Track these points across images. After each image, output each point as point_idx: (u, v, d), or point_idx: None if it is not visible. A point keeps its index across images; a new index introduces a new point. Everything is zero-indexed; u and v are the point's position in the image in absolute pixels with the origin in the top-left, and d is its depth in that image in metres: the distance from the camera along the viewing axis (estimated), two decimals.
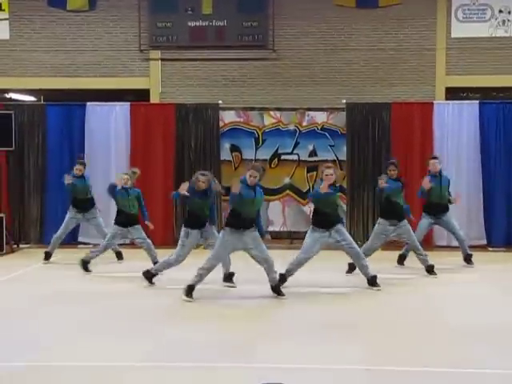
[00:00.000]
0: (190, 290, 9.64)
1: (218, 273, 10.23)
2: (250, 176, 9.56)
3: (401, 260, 12.38)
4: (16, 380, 6.46)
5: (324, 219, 10.18)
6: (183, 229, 10.41)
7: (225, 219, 10.51)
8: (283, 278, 10.26)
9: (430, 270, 11.54)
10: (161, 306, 9.44)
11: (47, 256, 12.82)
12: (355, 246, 10.44)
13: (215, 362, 6.90)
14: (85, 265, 11.75)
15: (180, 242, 10.40)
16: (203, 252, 10.49)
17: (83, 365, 6.84)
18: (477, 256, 12.45)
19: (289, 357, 7.11)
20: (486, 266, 12.54)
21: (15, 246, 14.67)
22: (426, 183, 11.93)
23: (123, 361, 6.95)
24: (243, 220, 9.54)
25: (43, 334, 8.02)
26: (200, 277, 9.67)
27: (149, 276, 10.63)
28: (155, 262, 11.17)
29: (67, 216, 12.85)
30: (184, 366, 6.81)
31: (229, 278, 10.50)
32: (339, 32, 16.55)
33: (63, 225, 12.86)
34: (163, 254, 11.17)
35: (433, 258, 12.08)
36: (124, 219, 11.69)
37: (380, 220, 11.60)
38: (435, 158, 12.65)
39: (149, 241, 11.81)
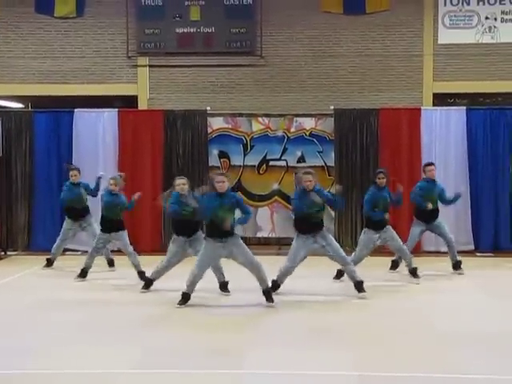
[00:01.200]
0: (184, 299, 9.67)
1: (208, 282, 10.16)
2: (218, 182, 9.58)
3: (394, 266, 12.40)
4: None
5: (306, 224, 10.16)
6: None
7: None
8: (275, 284, 10.26)
9: (414, 272, 11.56)
10: (151, 313, 9.41)
11: (49, 263, 12.84)
12: (341, 250, 10.39)
13: (204, 368, 6.89)
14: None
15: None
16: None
17: (73, 372, 6.81)
18: (465, 261, 12.48)
19: (277, 363, 7.10)
20: (474, 271, 12.57)
21: (3, 253, 14.61)
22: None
23: (113, 368, 6.93)
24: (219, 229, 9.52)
25: (31, 341, 7.97)
26: (191, 285, 9.69)
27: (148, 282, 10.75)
28: (139, 271, 11.34)
29: (64, 227, 12.82)
30: (174, 373, 6.80)
31: (224, 286, 10.49)
32: (327, 38, 16.60)
33: (61, 235, 12.83)
34: (151, 261, 11.18)
35: (421, 263, 12.12)
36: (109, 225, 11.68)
37: (365, 230, 11.60)
38: (432, 164, 12.65)
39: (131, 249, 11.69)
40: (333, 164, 15.20)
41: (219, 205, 9.48)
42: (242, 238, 14.97)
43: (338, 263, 10.60)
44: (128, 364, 7.06)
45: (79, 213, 12.69)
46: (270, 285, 9.97)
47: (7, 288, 11.37)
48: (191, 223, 10.31)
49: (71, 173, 12.77)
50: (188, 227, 10.32)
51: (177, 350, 7.60)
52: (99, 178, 12.79)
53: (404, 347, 7.72)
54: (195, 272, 9.62)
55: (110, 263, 12.76)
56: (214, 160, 15.46)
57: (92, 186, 12.89)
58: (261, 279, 9.81)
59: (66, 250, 14.30)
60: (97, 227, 12.52)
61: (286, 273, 10.30)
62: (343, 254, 10.43)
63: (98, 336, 8.22)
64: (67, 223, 12.78)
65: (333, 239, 10.45)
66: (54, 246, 12.88)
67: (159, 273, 10.59)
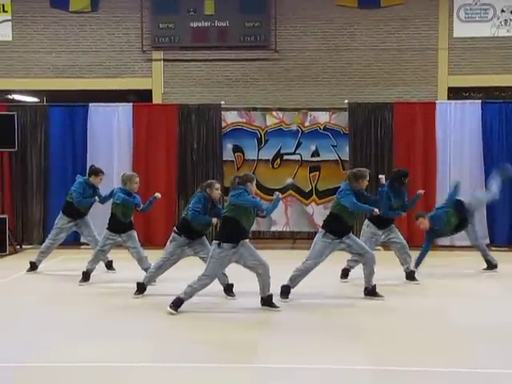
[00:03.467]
0: (177, 303, 9.01)
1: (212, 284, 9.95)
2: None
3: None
4: (17, 381, 6.48)
5: (342, 227, 9.67)
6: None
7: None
8: (287, 289, 9.70)
9: (412, 276, 11.06)
10: (158, 311, 9.39)
11: (33, 266, 11.96)
12: (368, 250, 9.86)
13: (215, 362, 6.91)
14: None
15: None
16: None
17: (83, 365, 6.84)
18: (479, 256, 12.37)
19: (290, 357, 7.11)
20: None
21: (18, 246, 14.69)
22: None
23: (125, 361, 6.96)
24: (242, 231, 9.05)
25: (43, 333, 8.03)
26: (191, 293, 9.07)
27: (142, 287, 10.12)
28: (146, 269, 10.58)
29: (58, 224, 11.84)
30: (183, 367, 6.81)
31: (229, 289, 9.96)
32: (341, 32, 16.57)
33: (52, 234, 11.93)
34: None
35: (434, 258, 12.06)
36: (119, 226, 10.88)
37: (368, 222, 11.11)
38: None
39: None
40: (347, 158, 15.16)
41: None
42: (256, 232, 15.30)
43: (363, 264, 9.90)
44: (140, 357, 7.08)
45: (80, 213, 11.79)
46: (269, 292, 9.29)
47: (21, 281, 11.43)
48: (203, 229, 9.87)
49: (100, 177, 11.75)
50: (198, 232, 9.81)
51: (188, 343, 7.63)
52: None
53: (417, 342, 7.70)
54: (206, 281, 9.04)
55: (109, 266, 11.95)
56: (228, 154, 15.46)
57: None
58: (266, 284, 9.18)
59: (81, 243, 14.30)
60: (94, 229, 11.76)
61: (306, 271, 9.68)
62: (372, 253, 9.84)
63: (109, 329, 8.25)
64: (63, 219, 11.82)
65: (357, 239, 10.02)
66: (43, 245, 12.07)
67: (152, 277, 10.11)
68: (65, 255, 13.28)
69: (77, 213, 11.74)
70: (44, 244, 12.14)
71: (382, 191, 10.64)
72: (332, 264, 10.47)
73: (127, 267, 11.49)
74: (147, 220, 14.92)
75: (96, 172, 11.74)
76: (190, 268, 9.78)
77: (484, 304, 9.62)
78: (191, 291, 9.04)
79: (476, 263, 12.23)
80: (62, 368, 6.78)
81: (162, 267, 9.95)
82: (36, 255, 12.10)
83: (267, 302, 9.24)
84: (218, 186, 9.64)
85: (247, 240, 9.23)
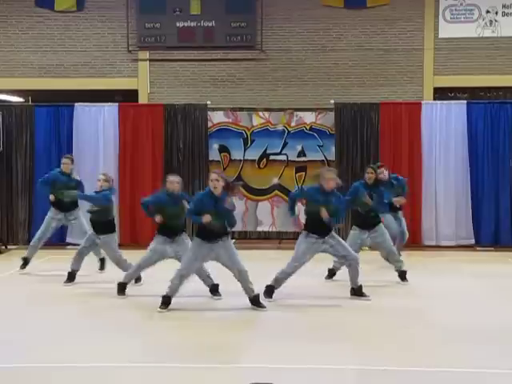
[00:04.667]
0: (165, 302, 9.07)
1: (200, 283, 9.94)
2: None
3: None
4: (6, 381, 6.45)
5: (319, 225, 9.51)
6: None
7: None
8: (270, 289, 9.68)
9: (403, 276, 10.96)
10: (146, 310, 9.39)
11: (26, 262, 12.00)
12: (351, 252, 9.73)
13: (204, 362, 6.90)
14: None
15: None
16: None
17: (73, 365, 6.81)
18: (465, 256, 12.47)
19: (277, 357, 7.10)
20: (475, 265, 12.57)
21: (3, 247, 14.62)
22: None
23: (113, 361, 6.94)
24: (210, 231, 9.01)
25: (30, 334, 7.99)
26: (174, 288, 9.11)
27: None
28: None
29: (47, 216, 12.00)
30: (171, 367, 6.80)
31: (214, 289, 9.91)
32: (327, 32, 16.58)
33: (42, 226, 12.04)
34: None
35: (421, 258, 12.10)
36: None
37: (354, 226, 11.01)
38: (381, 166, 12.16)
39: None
40: (333, 158, 15.19)
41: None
42: (242, 233, 15.30)
43: (347, 265, 9.86)
44: (129, 357, 7.06)
45: (67, 204, 11.87)
46: (255, 292, 9.26)
47: (7, 282, 11.37)
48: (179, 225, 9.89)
49: (64, 161, 11.98)
50: (174, 230, 9.83)
51: (176, 343, 7.62)
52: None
53: (404, 342, 7.72)
54: (182, 272, 9.09)
55: (101, 265, 11.83)
56: (214, 154, 15.45)
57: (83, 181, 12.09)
58: (246, 288, 9.17)
59: (67, 244, 14.33)
60: (86, 222, 11.65)
61: (290, 273, 9.63)
62: (355, 254, 9.79)
63: (96, 330, 8.22)
64: (51, 211, 11.97)
65: (341, 239, 9.91)
66: (34, 238, 12.11)
67: (132, 276, 10.14)
68: (50, 255, 13.21)
69: (64, 205, 11.84)
70: (34, 237, 12.14)
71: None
72: (318, 264, 10.47)
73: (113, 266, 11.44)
74: (133, 220, 14.91)
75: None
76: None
77: (471, 304, 9.64)
78: (174, 287, 9.07)
79: (462, 263, 12.29)
80: (49, 368, 6.75)
81: (142, 266, 9.95)
82: (27, 251, 12.10)
83: (254, 301, 9.22)
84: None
85: (231, 241, 9.26)
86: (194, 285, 9.69)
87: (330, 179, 9.48)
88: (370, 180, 10.90)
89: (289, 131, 15.45)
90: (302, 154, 15.47)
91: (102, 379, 6.53)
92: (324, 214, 9.33)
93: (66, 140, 15.17)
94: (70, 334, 8.03)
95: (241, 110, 15.61)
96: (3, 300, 9.93)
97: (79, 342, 7.67)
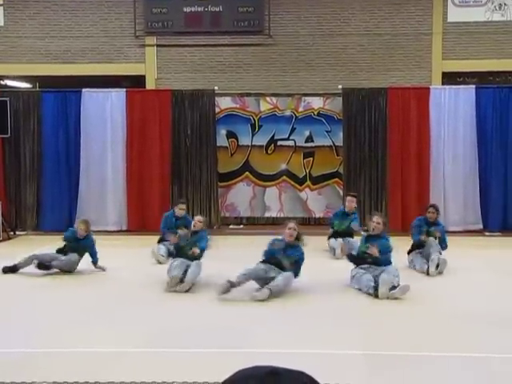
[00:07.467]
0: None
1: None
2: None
3: None
4: (15, 367, 6.48)
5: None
6: None
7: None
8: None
9: None
10: (152, 294, 9.42)
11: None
12: None
13: (207, 347, 6.92)
14: None
15: None
16: None
17: (78, 351, 6.85)
18: (473, 241, 12.43)
19: (283, 342, 7.12)
20: (483, 250, 12.54)
21: (12, 233, 14.65)
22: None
23: (121, 347, 6.96)
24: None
25: (40, 320, 8.02)
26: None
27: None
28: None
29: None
30: (178, 352, 6.82)
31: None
32: (335, 17, 16.49)
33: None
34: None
35: None
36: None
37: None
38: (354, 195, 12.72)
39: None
40: (341, 144, 15.16)
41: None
42: (250, 218, 15.32)
43: None
44: (134, 343, 7.09)
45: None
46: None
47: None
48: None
49: (180, 206, 12.21)
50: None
51: (182, 328, 7.66)
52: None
53: (413, 326, 7.73)
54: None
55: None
56: (221, 140, 15.45)
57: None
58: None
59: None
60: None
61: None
62: None
63: (103, 316, 8.25)
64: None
65: None
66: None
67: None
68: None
69: None
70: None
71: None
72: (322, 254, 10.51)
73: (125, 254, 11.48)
74: (141, 205, 14.94)
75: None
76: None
77: (480, 289, 9.64)
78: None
79: (470, 248, 12.26)
80: (54, 354, 6.78)
81: None
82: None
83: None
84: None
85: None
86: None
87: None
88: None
89: (296, 116, 15.42)
90: (309, 139, 15.45)
91: (107, 364, 6.55)
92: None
93: (73, 126, 15.18)
94: (77, 319, 8.06)
95: (248, 95, 15.58)
96: (6, 287, 9.96)
97: (87, 327, 7.70)
